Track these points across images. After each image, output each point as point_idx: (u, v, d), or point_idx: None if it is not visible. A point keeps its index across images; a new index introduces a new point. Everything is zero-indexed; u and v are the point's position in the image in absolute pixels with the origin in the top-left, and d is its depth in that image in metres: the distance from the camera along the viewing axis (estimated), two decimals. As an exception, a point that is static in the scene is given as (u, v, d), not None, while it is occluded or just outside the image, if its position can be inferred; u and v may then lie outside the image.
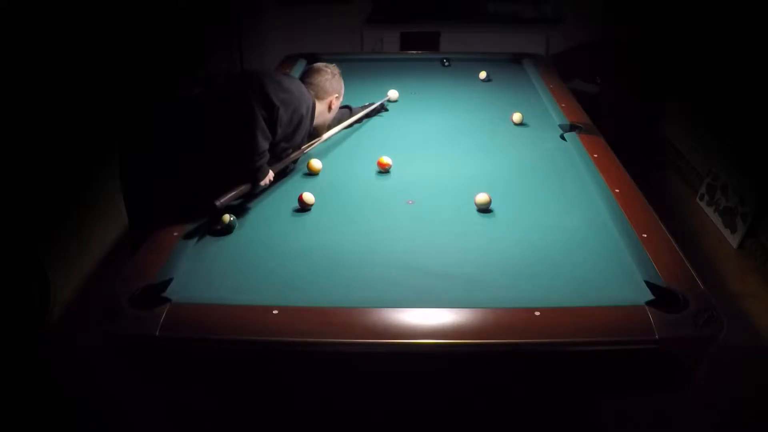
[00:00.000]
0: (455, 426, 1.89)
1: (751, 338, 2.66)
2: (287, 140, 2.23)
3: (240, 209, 2.04)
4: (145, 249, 1.81)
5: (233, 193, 2.02)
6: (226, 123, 2.07)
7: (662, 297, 1.56)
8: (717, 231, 3.46)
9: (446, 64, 3.62)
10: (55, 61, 2.78)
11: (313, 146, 2.44)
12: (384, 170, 2.32)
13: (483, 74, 3.34)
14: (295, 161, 2.36)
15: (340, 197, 2.15)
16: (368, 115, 2.83)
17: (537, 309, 1.52)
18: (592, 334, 1.48)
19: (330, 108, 2.46)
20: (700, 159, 3.91)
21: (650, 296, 1.57)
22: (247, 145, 2.05)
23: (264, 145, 2.08)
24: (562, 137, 2.59)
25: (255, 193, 2.14)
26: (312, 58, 3.60)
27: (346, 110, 2.74)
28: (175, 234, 1.86)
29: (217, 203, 1.95)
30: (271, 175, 2.17)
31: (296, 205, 2.06)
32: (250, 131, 2.03)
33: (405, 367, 1.54)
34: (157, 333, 1.46)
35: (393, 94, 3.06)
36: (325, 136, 2.53)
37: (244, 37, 4.79)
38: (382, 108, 2.93)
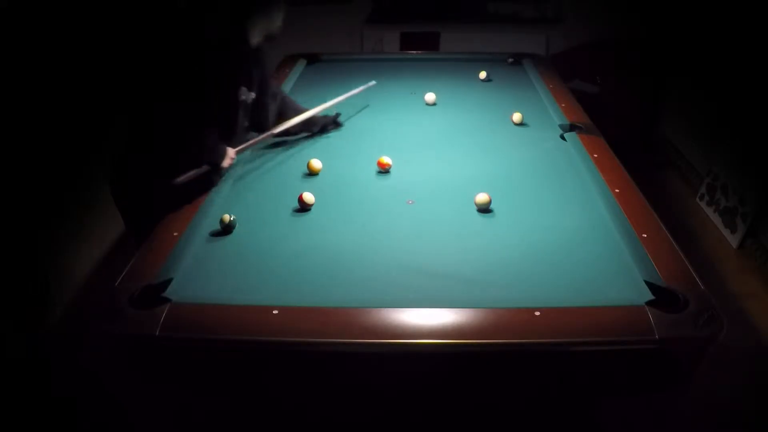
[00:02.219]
0: (456, 426, 1.89)
1: (751, 338, 2.66)
2: (225, 97, 2.19)
3: (240, 209, 2.04)
4: (145, 249, 1.81)
5: (192, 173, 2.07)
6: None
7: (662, 297, 1.56)
8: (717, 231, 3.46)
9: (510, 61, 3.62)
10: (55, 61, 2.79)
11: (283, 127, 2.46)
12: (384, 170, 2.32)
13: (483, 74, 3.34)
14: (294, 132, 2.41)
15: (340, 197, 2.15)
16: (322, 130, 2.69)
17: (537, 309, 1.52)
18: (592, 334, 1.48)
19: (267, 21, 2.32)
20: (700, 159, 3.91)
21: (650, 296, 1.57)
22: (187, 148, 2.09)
23: (197, 139, 2.10)
24: (562, 137, 2.59)
25: (221, 174, 2.19)
26: (312, 58, 3.61)
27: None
28: (175, 234, 1.86)
29: (175, 182, 2.02)
30: (231, 153, 2.21)
31: (296, 205, 2.06)
32: (171, 143, 2.07)
33: (405, 367, 1.54)
34: (157, 333, 1.46)
35: (430, 97, 2.99)
36: (295, 120, 2.52)
37: (244, 37, 4.78)
38: (333, 123, 2.73)
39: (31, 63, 2.64)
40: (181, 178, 2.04)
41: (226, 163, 2.20)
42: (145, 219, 2.05)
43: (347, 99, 2.80)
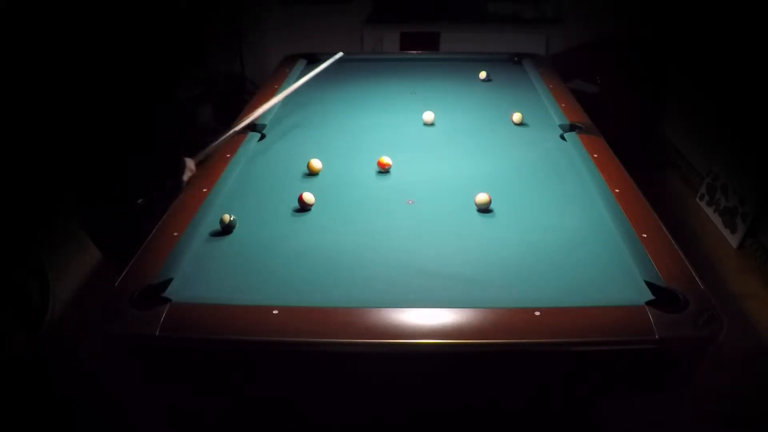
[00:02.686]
0: (455, 426, 1.89)
1: (751, 338, 2.66)
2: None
3: (240, 209, 2.04)
4: (145, 249, 1.81)
5: (153, 195, 2.05)
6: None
7: (662, 297, 1.56)
8: (717, 231, 3.46)
9: (516, 59, 3.63)
10: (54, 61, 2.78)
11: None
12: (384, 170, 2.32)
13: (483, 74, 3.34)
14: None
15: (340, 197, 2.15)
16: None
17: (537, 309, 1.52)
18: (592, 334, 1.48)
19: None
20: (700, 159, 3.91)
21: (650, 296, 1.57)
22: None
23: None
24: (562, 137, 2.59)
25: (182, 189, 2.16)
26: (312, 58, 3.61)
27: None
28: (175, 234, 1.86)
29: (138, 202, 2.01)
30: (191, 165, 2.19)
31: (296, 205, 2.06)
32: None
33: (405, 367, 1.54)
34: (157, 333, 1.46)
35: (428, 116, 2.74)
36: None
37: (244, 37, 4.79)
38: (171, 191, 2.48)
39: (32, 63, 2.64)
40: (142, 201, 2.00)
41: (186, 176, 2.16)
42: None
43: (342, 93, 2.80)
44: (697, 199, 3.75)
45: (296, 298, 1.59)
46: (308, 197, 2.06)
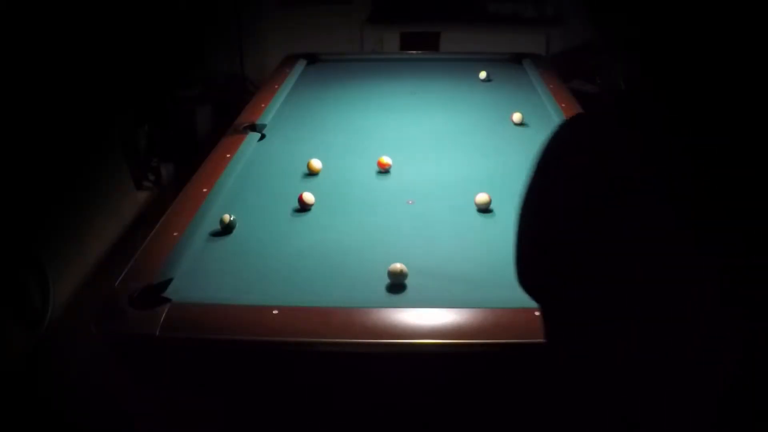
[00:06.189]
0: (455, 426, 1.89)
1: (751, 338, 2.66)
2: None
3: (240, 209, 2.04)
4: (145, 249, 1.81)
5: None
6: None
7: (662, 297, 1.56)
8: (717, 231, 3.46)
9: (519, 63, 3.64)
10: (54, 61, 2.79)
11: None
12: (384, 170, 2.32)
13: (483, 74, 3.34)
14: None
15: (340, 197, 2.15)
16: None
17: (537, 309, 1.52)
18: (592, 334, 1.47)
19: None
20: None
21: (650, 296, 1.57)
22: None
23: None
24: (562, 137, 2.58)
25: None
26: (312, 58, 3.61)
27: None
28: (175, 234, 1.86)
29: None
30: None
31: (296, 205, 2.06)
32: None
33: (404, 367, 1.54)
34: (157, 333, 1.46)
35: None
36: None
37: (244, 38, 4.79)
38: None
39: (32, 63, 2.64)
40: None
41: None
42: None
43: (342, 93, 2.75)
44: (697, 199, 3.75)
45: (296, 298, 1.59)
46: (308, 197, 2.06)
